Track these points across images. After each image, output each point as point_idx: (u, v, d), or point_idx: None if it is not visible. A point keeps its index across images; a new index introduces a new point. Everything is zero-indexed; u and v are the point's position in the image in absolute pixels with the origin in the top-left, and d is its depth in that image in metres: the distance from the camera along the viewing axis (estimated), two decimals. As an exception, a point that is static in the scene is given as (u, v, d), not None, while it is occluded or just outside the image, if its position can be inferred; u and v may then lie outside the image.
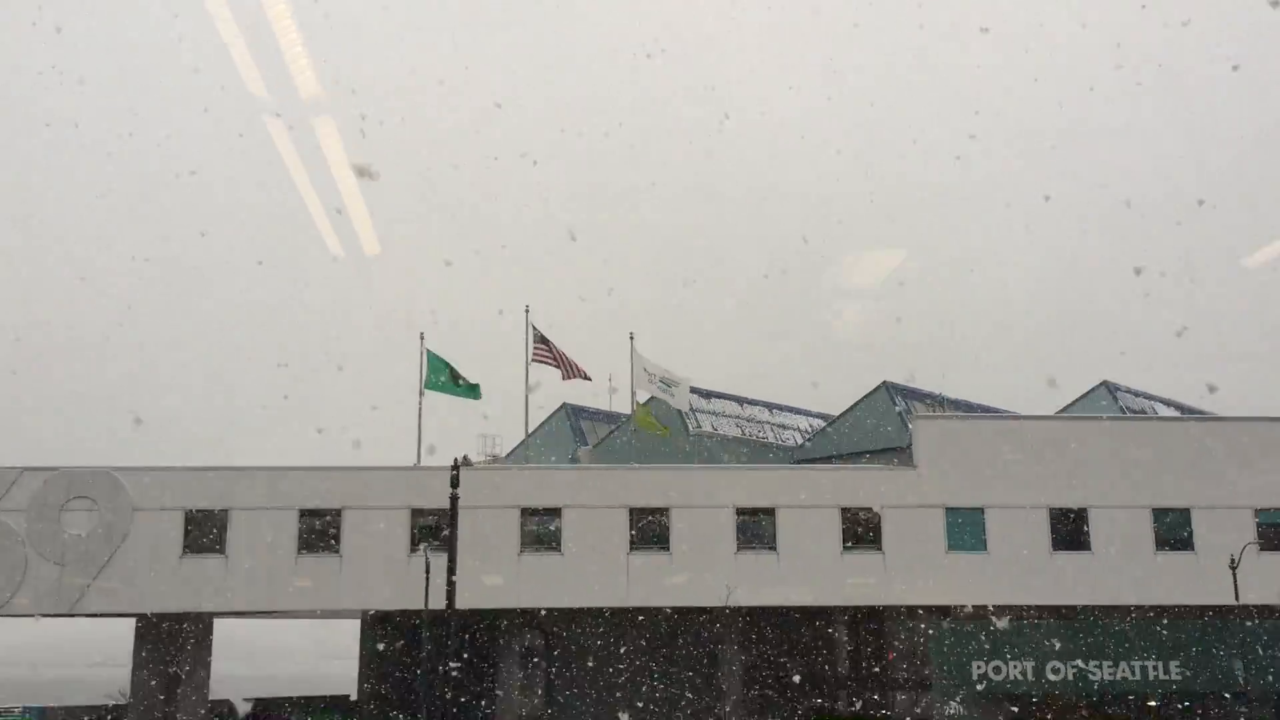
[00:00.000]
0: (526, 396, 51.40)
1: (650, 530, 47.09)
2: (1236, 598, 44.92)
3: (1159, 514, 48.02)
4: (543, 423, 67.78)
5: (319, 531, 46.00)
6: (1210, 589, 45.93)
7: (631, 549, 46.71)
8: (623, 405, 61.29)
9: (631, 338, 52.51)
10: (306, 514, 46.10)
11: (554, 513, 46.84)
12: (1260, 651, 46.92)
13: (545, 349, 51.68)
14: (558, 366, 51.70)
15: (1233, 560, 45.25)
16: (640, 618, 48.68)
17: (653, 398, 56.82)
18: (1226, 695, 47.40)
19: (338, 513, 46.07)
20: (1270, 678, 47.01)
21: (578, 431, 67.19)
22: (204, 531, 45.52)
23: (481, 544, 45.01)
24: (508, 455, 64.40)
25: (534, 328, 51.61)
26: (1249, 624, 46.49)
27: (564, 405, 68.48)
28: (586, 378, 52.85)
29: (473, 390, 50.00)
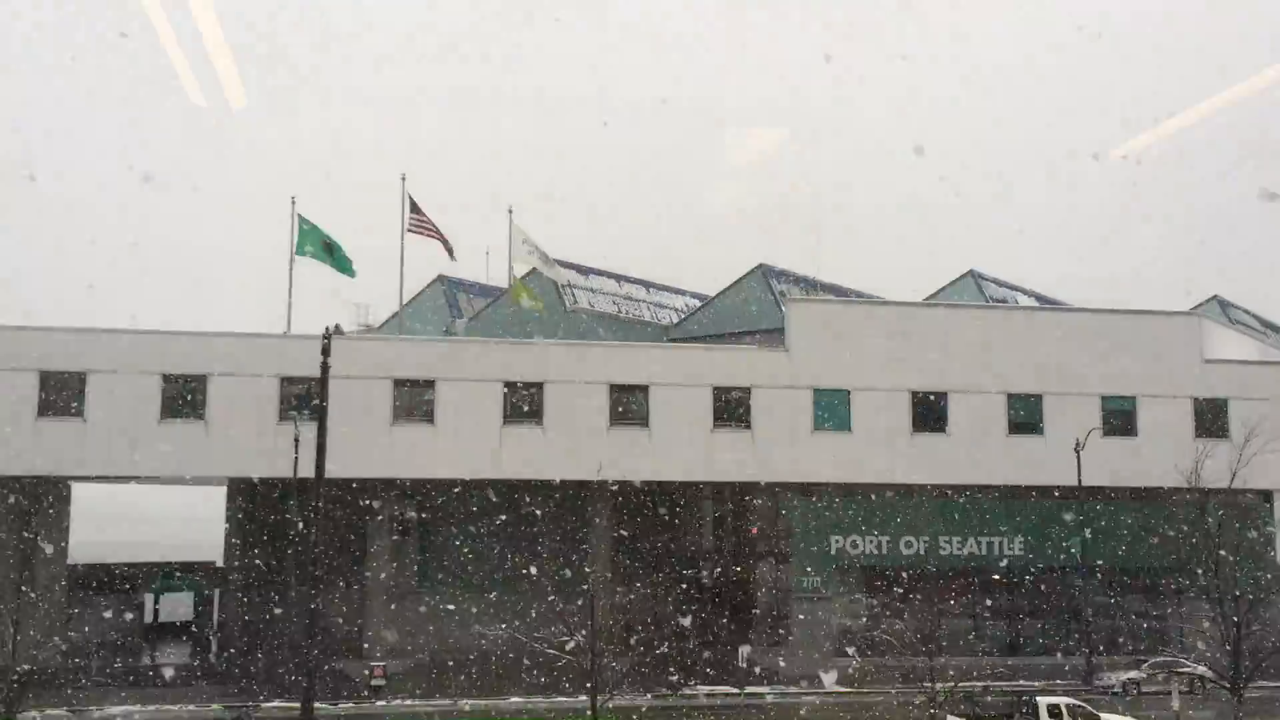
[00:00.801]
0: (401, 267, 50.54)
1: (525, 404, 47.23)
2: (1079, 479, 47.54)
3: (1013, 399, 50.17)
4: (418, 294, 66.84)
5: (183, 397, 44.86)
6: (1056, 471, 48.46)
7: (505, 422, 46.83)
8: (500, 279, 60.82)
9: (510, 211, 51.88)
10: (170, 379, 44.86)
11: (427, 385, 46.55)
12: (1097, 529, 49.96)
13: (421, 220, 50.65)
14: (433, 237, 50.78)
15: (1078, 444, 47.73)
16: (514, 490, 49.16)
17: (530, 272, 56.44)
18: (1065, 569, 50.52)
19: (203, 378, 44.94)
20: (1104, 553, 50.20)
21: (453, 304, 66.51)
22: (60, 393, 43.96)
23: (353, 414, 44.53)
24: (381, 326, 63.51)
25: (410, 198, 50.45)
26: (1088, 504, 49.32)
27: (439, 277, 67.57)
28: (451, 256, 52.04)
29: (344, 263, 48.80)
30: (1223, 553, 34.30)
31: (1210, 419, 50.21)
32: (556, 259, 56.98)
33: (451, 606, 49.69)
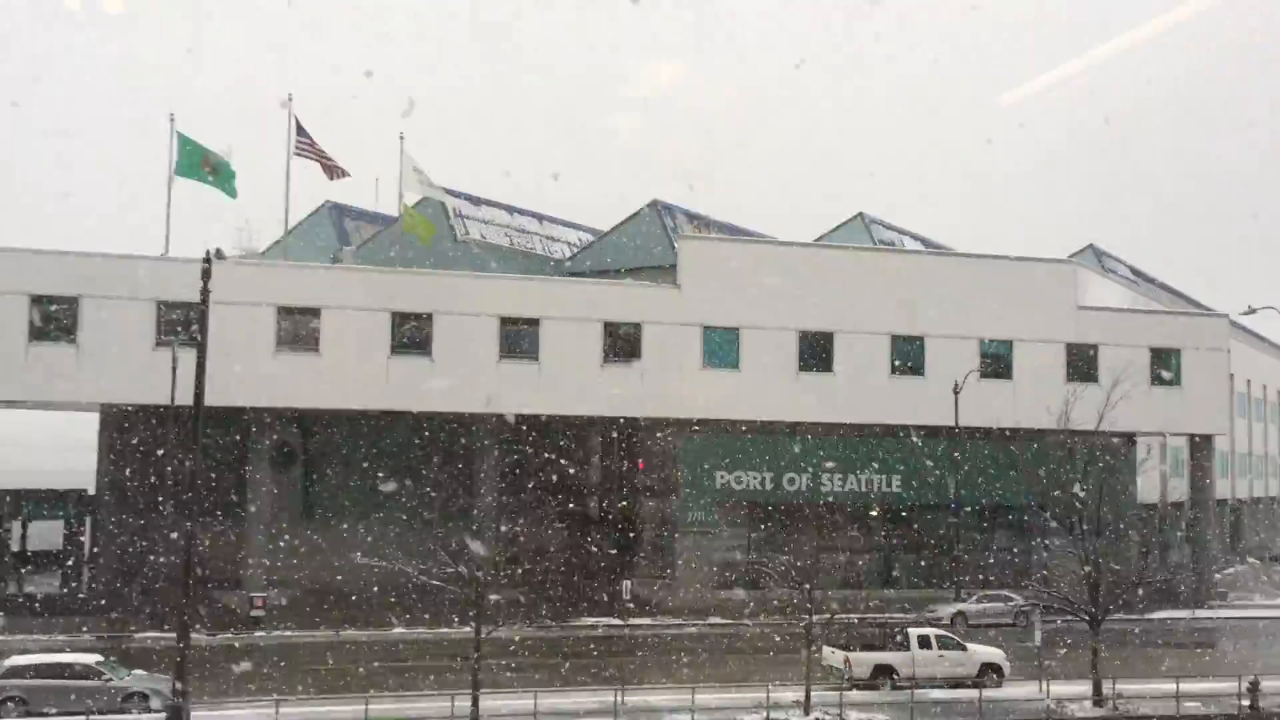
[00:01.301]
0: (287, 190, 49.09)
1: (413, 335, 46.64)
2: (957, 420, 49.07)
3: (897, 340, 51.36)
4: (304, 219, 65.15)
5: (53, 319, 43.14)
6: (935, 411, 49.92)
7: (393, 353, 46.21)
8: (390, 207, 59.61)
9: (401, 138, 50.72)
10: (39, 300, 43.08)
11: (313, 312, 45.57)
12: (972, 468, 51.74)
13: (308, 143, 49.20)
14: (321, 161, 49.40)
15: (957, 385, 49.19)
16: (400, 421, 48.66)
17: (421, 201, 55.42)
18: (940, 506, 52.28)
19: (75, 300, 43.25)
20: (977, 492, 52.09)
21: (341, 231, 65.07)
22: (-81, 314, 41.88)
23: (234, 341, 43.38)
24: (265, 252, 61.74)
25: (296, 119, 48.92)
26: (965, 443, 50.97)
27: (327, 203, 65.95)
28: (345, 173, 50.76)
29: (227, 182, 47.14)
30: (1086, 491, 35.80)
31: (1081, 364, 52.13)
32: (447, 188, 56.03)
33: (335, 538, 49.17)
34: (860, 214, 65.14)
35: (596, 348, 48.27)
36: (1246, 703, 31.32)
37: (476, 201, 62.06)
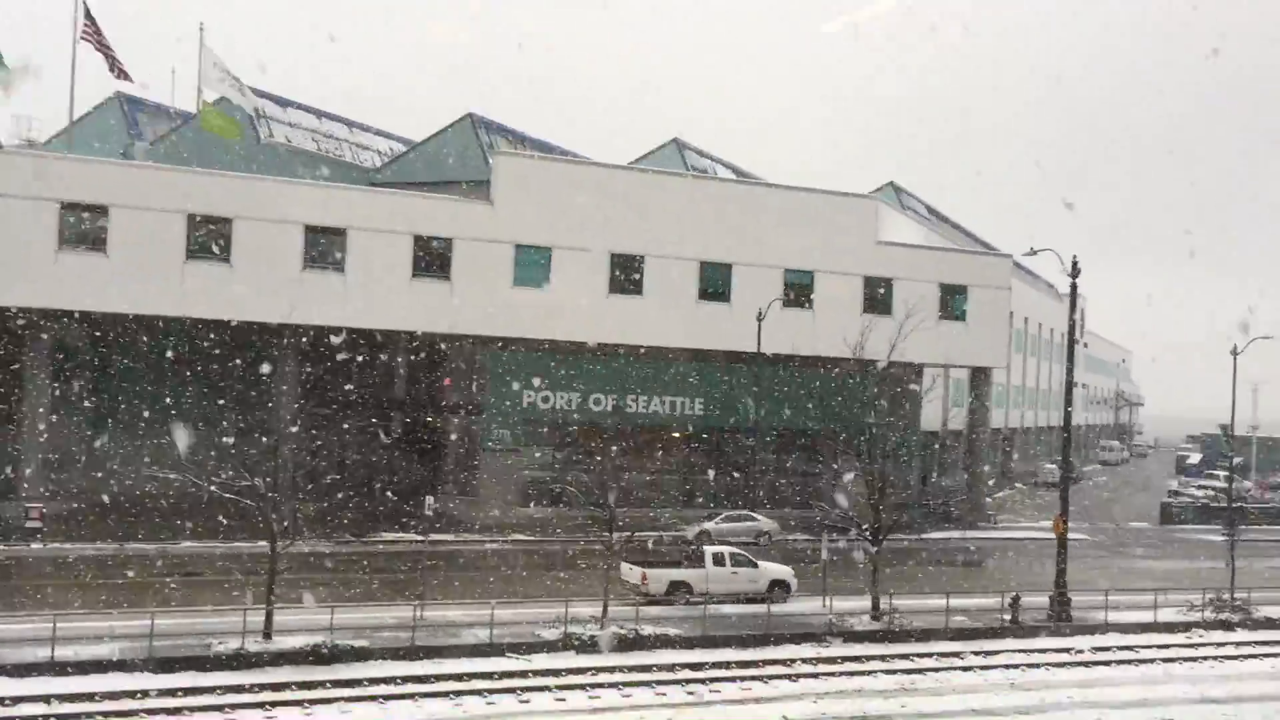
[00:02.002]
0: (72, 79, 45.77)
1: (211, 240, 44.58)
2: (759, 346, 50.54)
3: (705, 266, 52.29)
4: (91, 110, 60.94)
5: None
6: (740, 337, 51.25)
7: (189, 258, 44.10)
8: (187, 103, 56.38)
9: (201, 29, 47.85)
10: None
11: (100, 210, 42.92)
12: (772, 394, 53.51)
13: (93, 29, 45.85)
14: (105, 54, 46.15)
15: (760, 313, 50.57)
16: (196, 330, 46.63)
17: (221, 99, 52.56)
18: (740, 429, 53.96)
19: None
20: (777, 417, 53.95)
21: (133, 125, 61.15)
22: None
23: (12, 237, 40.59)
24: (47, 143, 57.47)
25: (84, 2, 45.48)
26: (766, 369, 52.60)
27: (118, 95, 61.75)
28: (127, 76, 47.67)
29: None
30: (875, 418, 37.64)
31: (877, 297, 54.34)
32: (252, 88, 53.32)
33: (123, 448, 47.08)
34: (675, 139, 65.51)
35: (406, 261, 47.30)
36: (1009, 616, 33.88)
37: (283, 103, 59.35)
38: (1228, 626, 35.99)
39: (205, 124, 49.65)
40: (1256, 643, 34.26)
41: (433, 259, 47.88)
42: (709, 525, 47.15)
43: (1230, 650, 33.24)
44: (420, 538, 43.13)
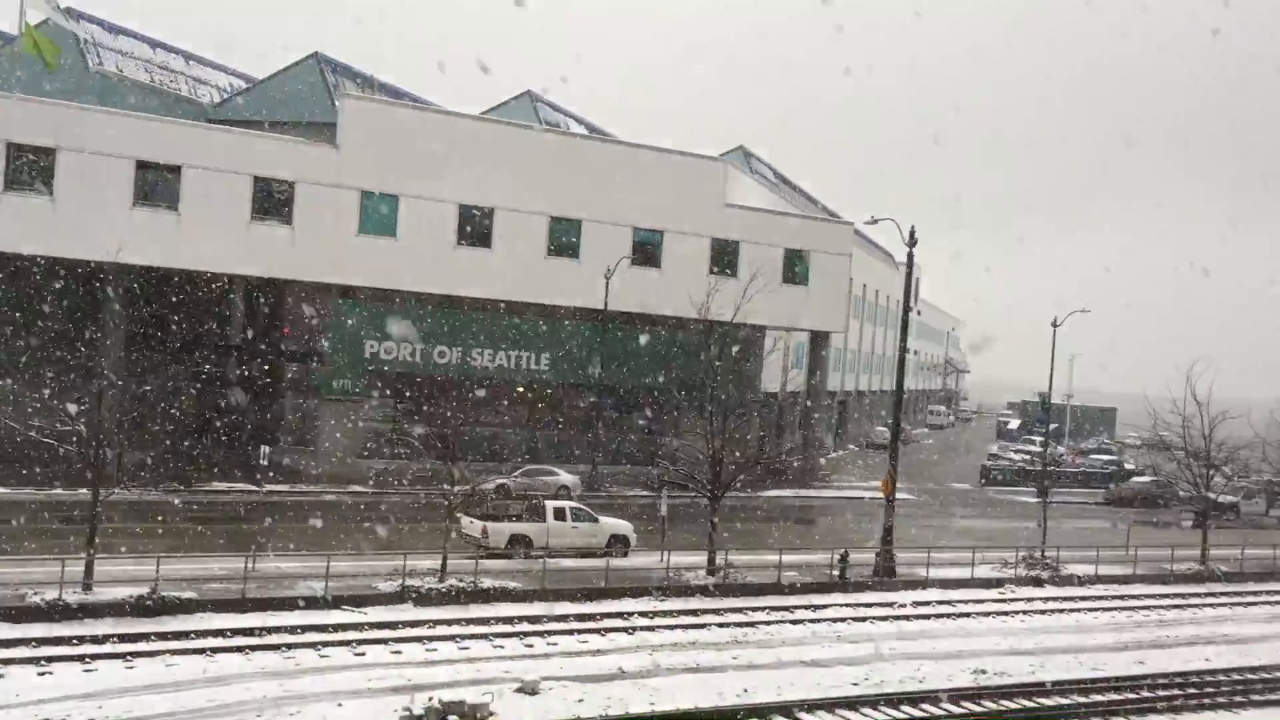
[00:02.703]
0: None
1: (32, 170, 42.10)
2: (606, 304, 50.73)
3: (555, 222, 52.08)
4: (-103, 26, 56.45)
5: None
6: (588, 293, 51.34)
7: (7, 188, 41.59)
8: (7, 24, 52.81)
9: (25, -56, 44.73)
10: None
11: (-93, 135, 39.99)
12: (618, 351, 53.83)
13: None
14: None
15: (609, 270, 50.73)
16: (14, 266, 44.04)
17: (45, 22, 49.36)
18: (586, 385, 54.16)
19: None
20: (622, 374, 54.32)
21: (-55, 45, 56.92)
22: None
23: None
24: None
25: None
26: (613, 326, 52.86)
27: (-72, 10, 57.34)
28: None
29: None
30: (718, 378, 38.30)
31: (724, 258, 55.15)
32: (80, 12, 50.32)
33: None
34: (528, 92, 64.85)
35: (245, 203, 45.68)
36: (838, 572, 35.16)
37: (114, 30, 56.21)
38: (1038, 583, 38.18)
39: (26, 46, 46.49)
40: (1063, 598, 36.46)
41: (274, 202, 46.33)
42: (506, 480, 46.47)
43: (1039, 605, 35.26)
44: (255, 488, 42.04)
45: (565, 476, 48.04)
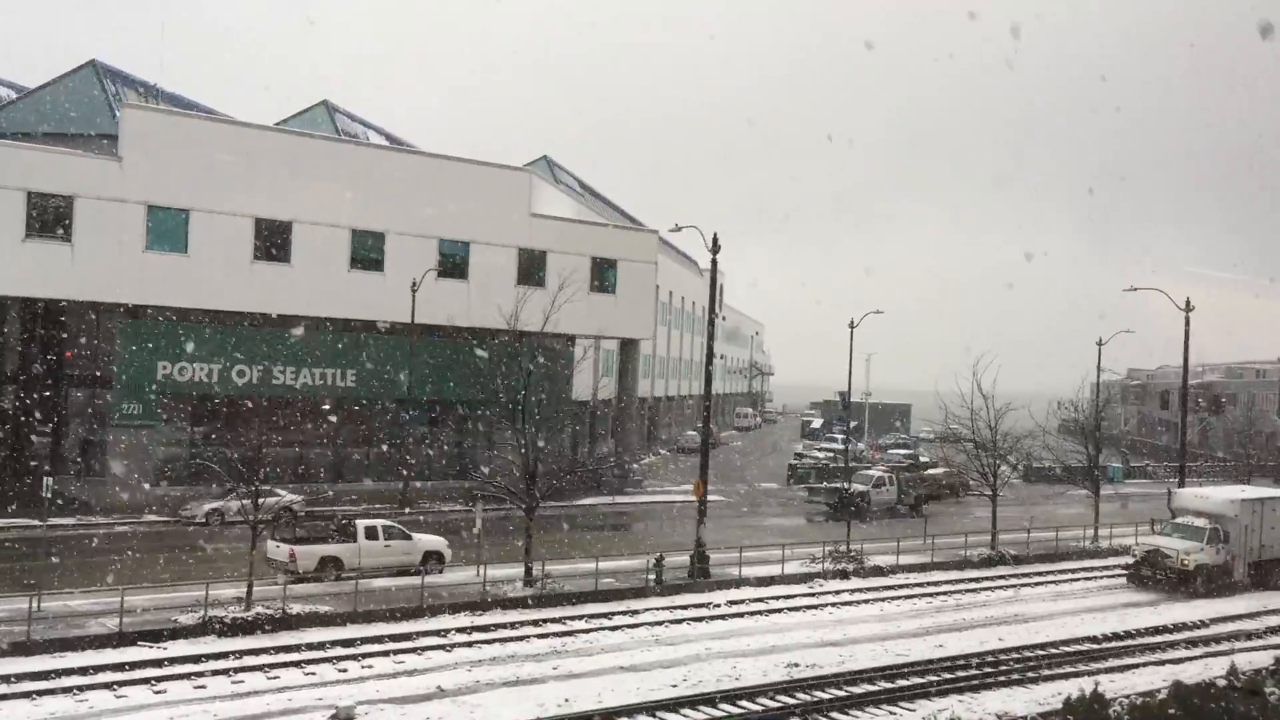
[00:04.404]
0: None
1: None
2: (413, 317, 49.90)
3: (357, 234, 50.90)
4: None
5: None
6: (395, 308, 50.38)
7: None
8: None
9: None
10: None
11: None
12: (426, 365, 53.02)
13: None
14: None
15: (414, 283, 49.92)
16: None
17: None
18: (393, 401, 53.08)
19: None
20: (431, 388, 53.51)
21: None
22: None
23: None
24: None
25: None
26: (420, 341, 52.04)
27: None
28: None
29: None
30: (529, 389, 38.18)
31: (531, 268, 55.11)
32: None
33: None
34: (325, 102, 63.20)
35: (18, 220, 42.83)
36: (653, 576, 35.57)
37: None
38: (844, 575, 39.62)
39: None
40: (868, 589, 37.94)
41: (51, 218, 43.61)
42: (219, 504, 43.39)
43: (846, 597, 36.60)
44: (38, 522, 39.43)
45: (286, 496, 44.43)
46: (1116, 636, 31.86)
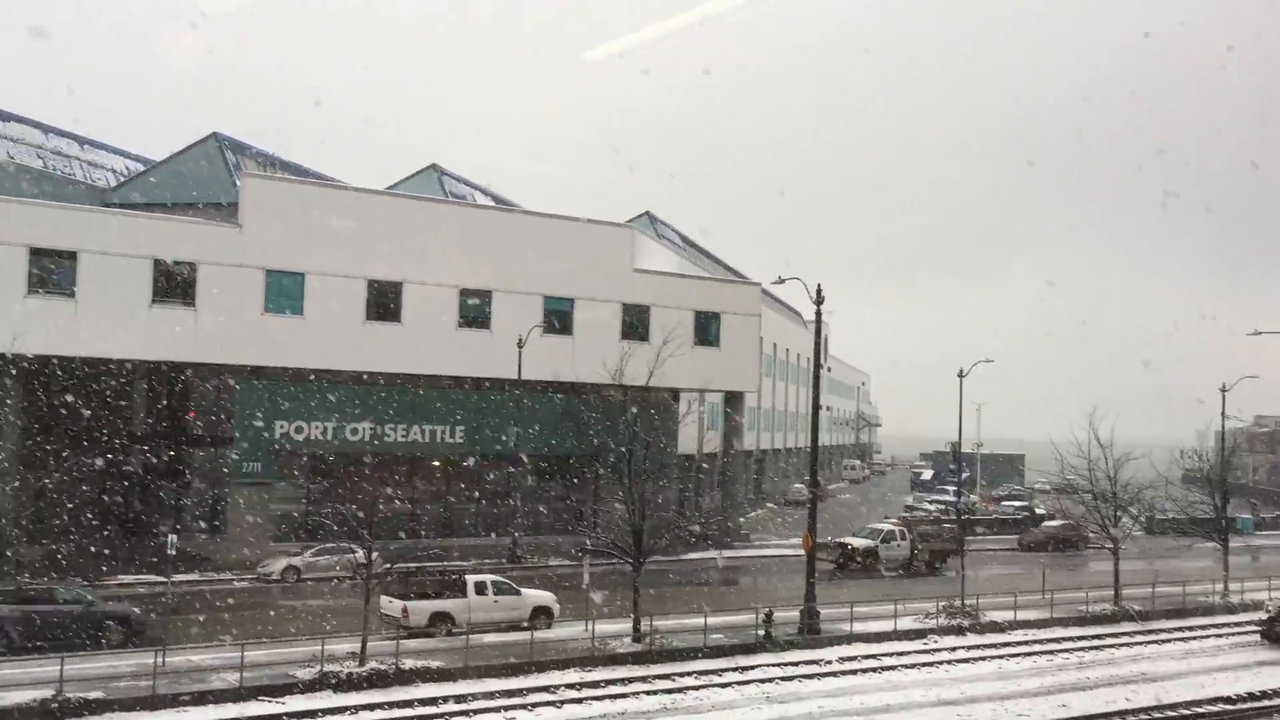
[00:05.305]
0: None
1: (-81, 262, 40.71)
2: (520, 373, 50.56)
3: (465, 293, 51.93)
4: None
5: None
6: (500, 364, 51.14)
7: (-108, 281, 40.17)
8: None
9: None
10: None
11: None
12: (533, 420, 53.56)
13: None
14: None
15: (520, 340, 50.65)
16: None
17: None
18: (502, 456, 53.67)
19: None
20: (538, 443, 54.00)
21: None
22: None
23: None
24: None
25: None
26: (527, 396, 52.64)
27: None
28: None
29: None
30: (634, 443, 38.28)
31: (635, 323, 55.45)
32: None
33: None
34: (434, 165, 64.97)
35: (145, 286, 44.71)
36: (763, 631, 35.10)
37: (3, 116, 55.06)
38: (959, 631, 38.59)
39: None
40: (985, 645, 36.86)
41: (175, 284, 45.45)
42: (296, 560, 44.43)
43: (962, 654, 35.60)
44: (162, 579, 40.67)
45: (361, 553, 45.08)
46: (1253, 696, 30.42)
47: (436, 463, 53.11)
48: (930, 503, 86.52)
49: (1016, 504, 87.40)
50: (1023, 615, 40.75)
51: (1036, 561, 58.27)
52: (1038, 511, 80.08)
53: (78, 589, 33.94)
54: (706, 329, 58.57)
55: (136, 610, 32.61)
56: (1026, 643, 37.56)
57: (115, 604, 33.23)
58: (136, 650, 29.68)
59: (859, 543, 54.21)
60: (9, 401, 43.99)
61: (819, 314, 39.75)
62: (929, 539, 56.36)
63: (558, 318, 54.11)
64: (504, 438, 53.06)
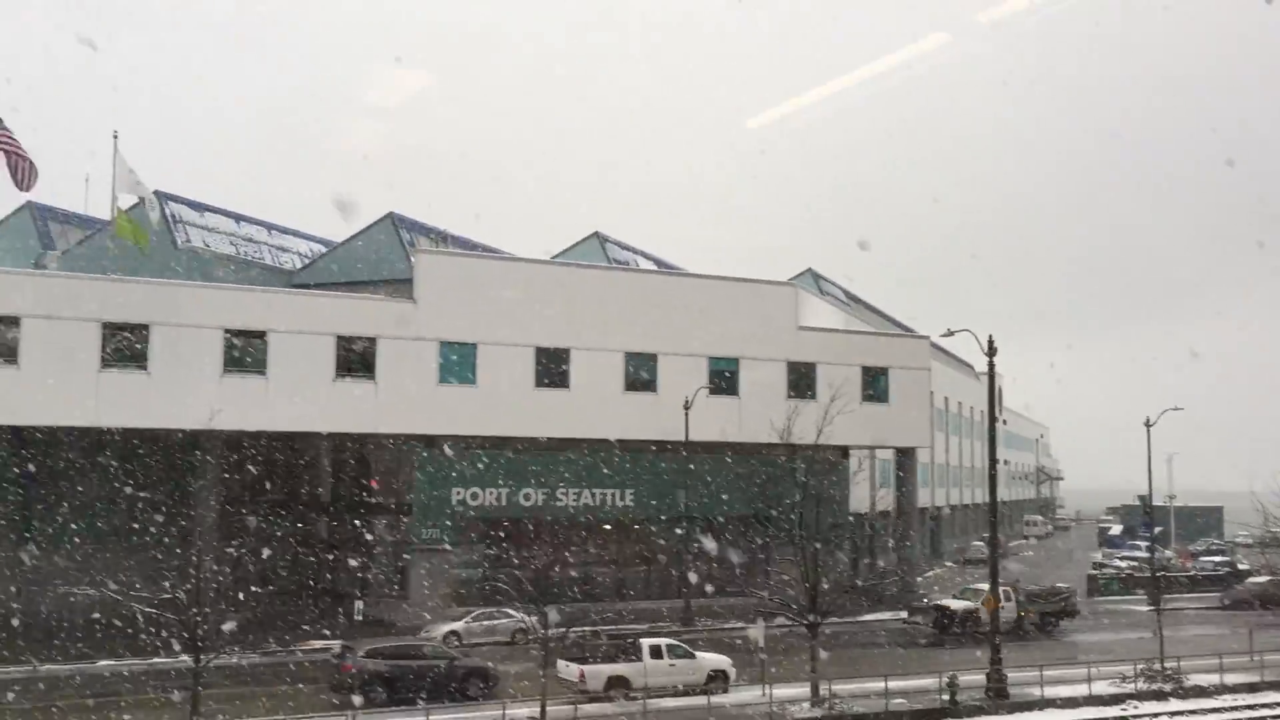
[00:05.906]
0: (-17, 188, 44.94)
1: (128, 348, 43.75)
2: (687, 435, 50.70)
3: (630, 357, 52.58)
4: (1, 220, 59.93)
5: None
6: (667, 426, 51.39)
7: (104, 366, 43.21)
8: (100, 210, 55.67)
9: (115, 136, 47.52)
10: None
11: (11, 322, 42.02)
12: (701, 481, 53.50)
13: (6, 135, 45.20)
14: (15, 153, 45.30)
15: (687, 402, 50.84)
16: (113, 439, 45.42)
17: (137, 205, 52.08)
18: (671, 518, 53.73)
19: None
20: (706, 504, 53.87)
21: (45, 235, 60.14)
22: None
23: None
24: (-46, 254, 56.31)
25: (-5, 110, 44.93)
26: (695, 458, 52.67)
27: (29, 204, 60.81)
28: (17, 181, 46.25)
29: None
30: (805, 502, 37.78)
31: (801, 381, 55.02)
32: (168, 193, 52.92)
33: (38, 564, 45.37)
34: (596, 233, 66.36)
35: (328, 362, 46.87)
36: (947, 696, 33.86)
37: (199, 208, 58.91)
38: (1161, 696, 36.38)
39: (120, 231, 49.01)
40: (1190, 711, 34.64)
41: (356, 359, 47.50)
42: (458, 625, 44.41)
43: (1165, 720, 33.53)
44: (350, 644, 41.97)
45: (520, 616, 44.16)
46: None
47: (608, 526, 53.53)
48: (1121, 559, 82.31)
49: (1216, 559, 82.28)
50: (1230, 679, 38.16)
51: (1242, 620, 54.59)
52: (1240, 567, 75.17)
53: (440, 646, 36.94)
54: (874, 384, 57.62)
55: (492, 665, 35.01)
56: (1237, 708, 35.11)
57: (475, 660, 35.93)
58: (327, 714, 30.61)
59: (958, 605, 50.37)
60: (208, 475, 46.58)
61: (991, 365, 38.64)
62: (1037, 600, 52.62)
63: (723, 378, 54.15)
64: (673, 499, 53.13)
